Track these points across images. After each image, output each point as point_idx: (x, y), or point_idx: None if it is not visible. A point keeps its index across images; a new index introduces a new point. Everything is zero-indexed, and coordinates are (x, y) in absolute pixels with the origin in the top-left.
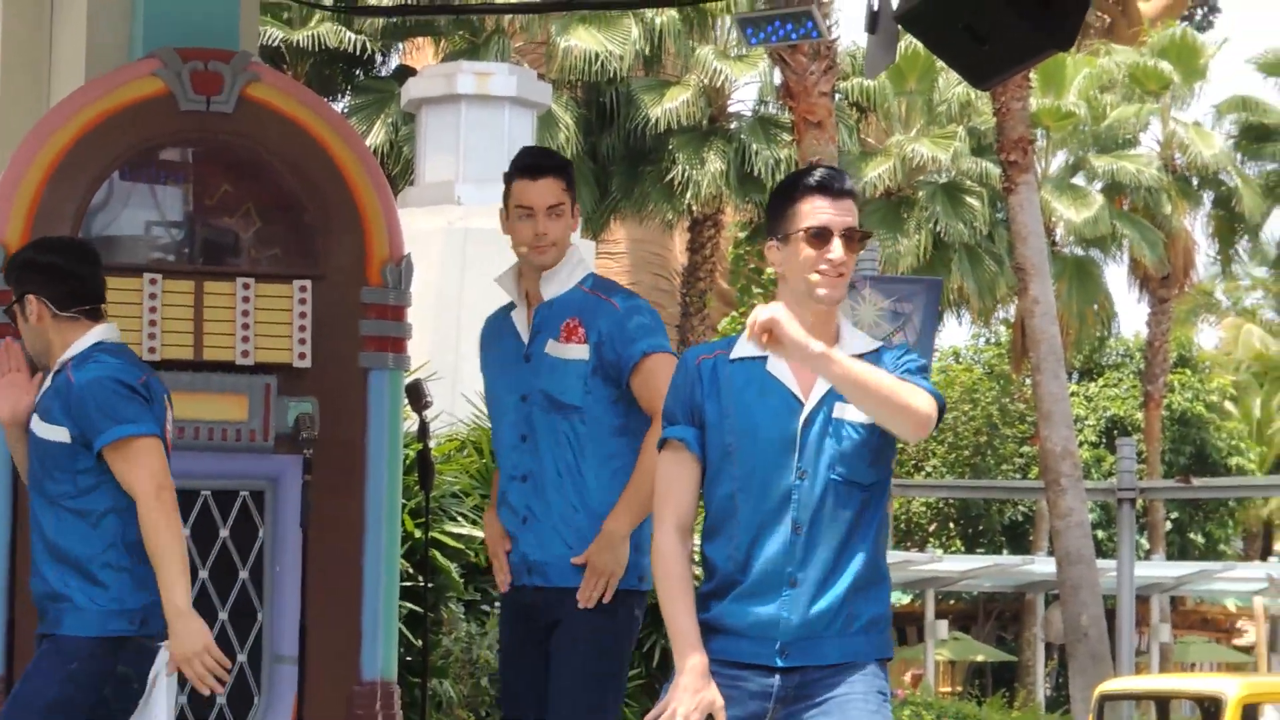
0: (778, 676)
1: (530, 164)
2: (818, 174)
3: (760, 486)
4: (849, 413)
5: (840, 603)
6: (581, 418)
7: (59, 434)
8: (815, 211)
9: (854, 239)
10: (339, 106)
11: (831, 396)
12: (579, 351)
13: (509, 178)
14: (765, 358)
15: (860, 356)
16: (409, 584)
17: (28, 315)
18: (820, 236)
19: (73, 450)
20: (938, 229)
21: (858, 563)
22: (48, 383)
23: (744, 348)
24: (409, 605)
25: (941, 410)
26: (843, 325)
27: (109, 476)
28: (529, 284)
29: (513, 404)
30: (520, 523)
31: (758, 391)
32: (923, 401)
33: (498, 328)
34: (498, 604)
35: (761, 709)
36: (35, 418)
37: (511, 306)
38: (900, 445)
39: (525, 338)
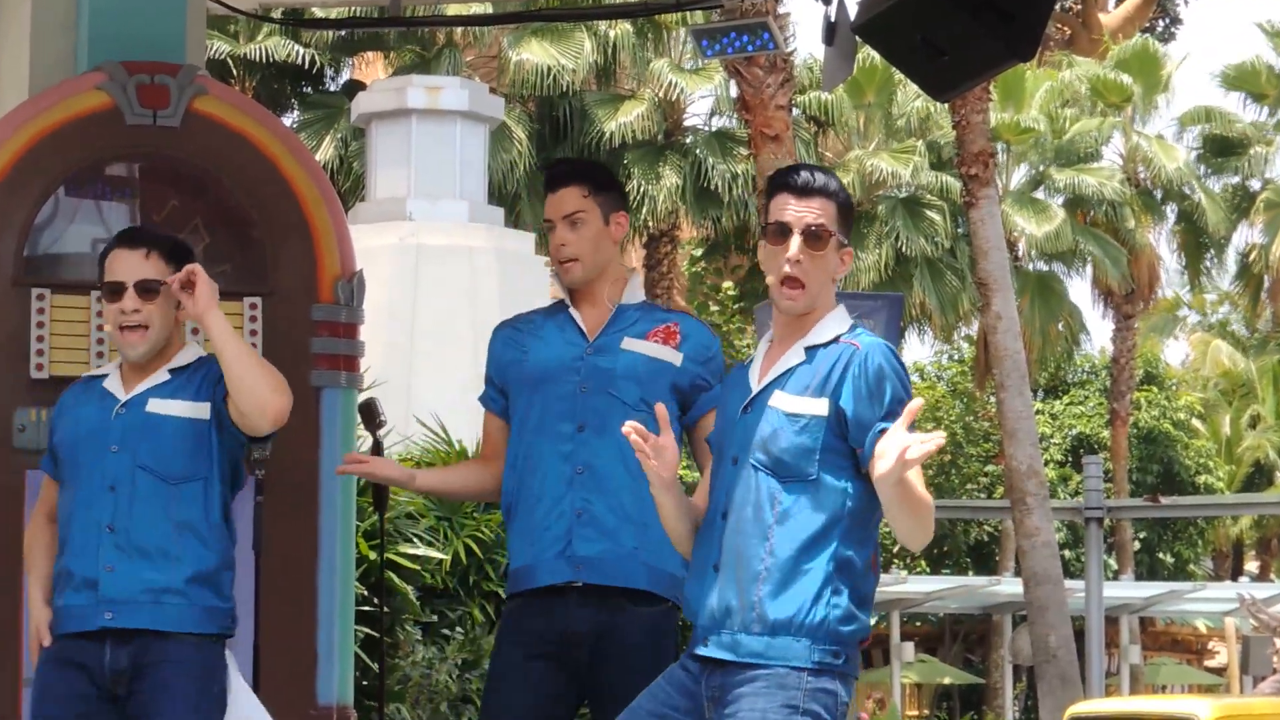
0: (698, 667)
1: (549, 176)
2: (792, 170)
3: (717, 473)
4: (783, 401)
5: (736, 593)
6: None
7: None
8: (777, 208)
9: (820, 238)
10: (288, 121)
11: (775, 384)
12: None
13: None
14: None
15: (818, 347)
16: (365, 607)
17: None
18: (780, 233)
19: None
20: (899, 244)
21: (773, 558)
22: (163, 377)
23: (757, 350)
24: (365, 629)
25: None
26: (825, 319)
27: None
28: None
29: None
30: None
31: (732, 384)
32: (932, 515)
33: None
34: (458, 628)
35: (698, 704)
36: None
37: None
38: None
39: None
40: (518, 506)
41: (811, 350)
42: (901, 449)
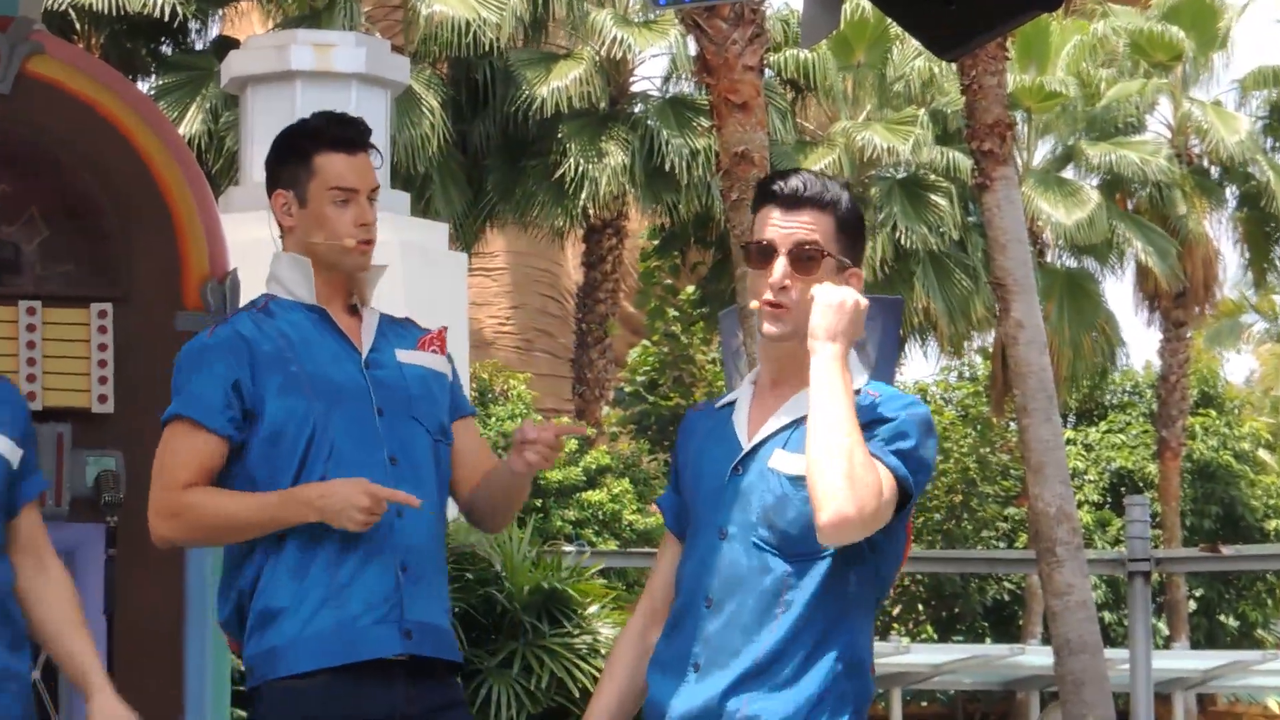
0: None
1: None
2: (777, 178)
3: (694, 548)
4: (787, 463)
5: (720, 698)
6: None
7: None
8: (761, 224)
9: (811, 259)
10: (144, 87)
11: (775, 440)
12: None
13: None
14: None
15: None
16: (243, 687)
17: None
18: (763, 254)
19: None
20: (897, 235)
21: (758, 649)
22: None
23: (736, 393)
24: (243, 712)
25: (903, 505)
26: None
27: None
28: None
29: None
30: None
31: (715, 437)
32: (842, 500)
33: None
34: None
35: None
36: None
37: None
38: None
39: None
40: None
41: None
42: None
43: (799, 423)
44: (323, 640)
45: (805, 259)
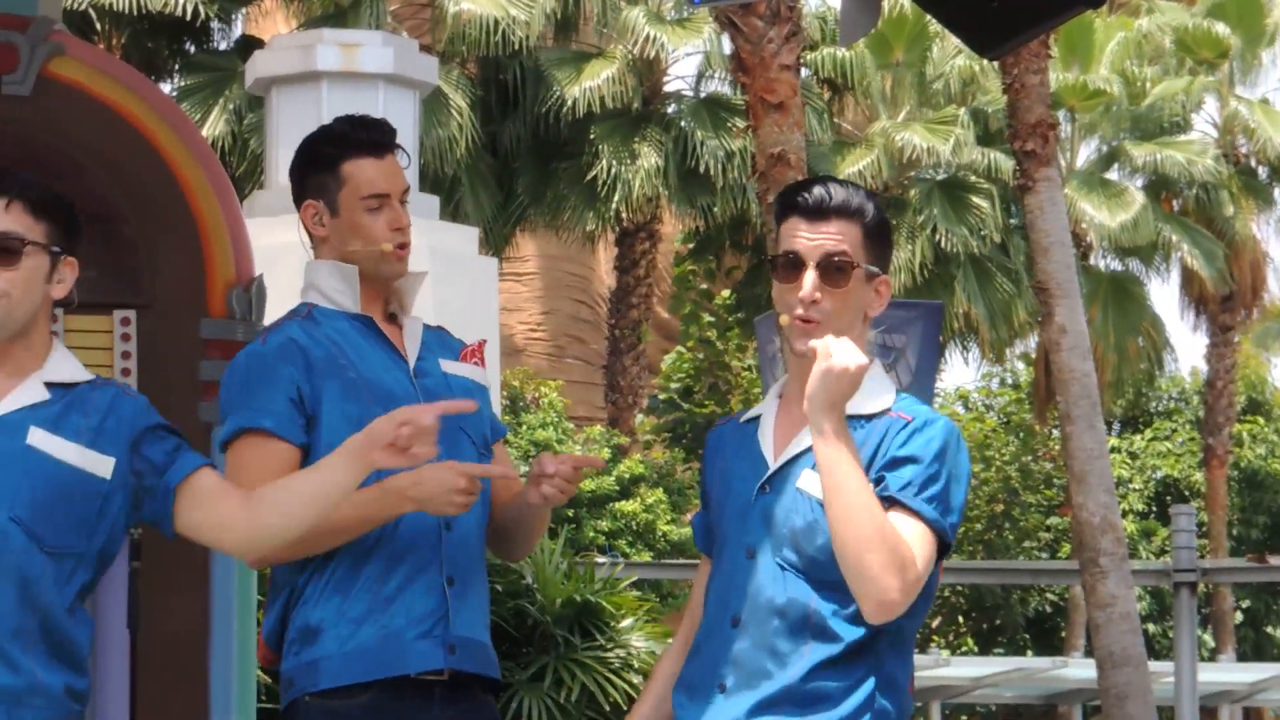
0: None
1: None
2: (801, 188)
3: (720, 567)
4: (816, 485)
5: (747, 717)
6: None
7: None
8: (787, 235)
9: (841, 270)
10: (166, 88)
11: (803, 460)
12: None
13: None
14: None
15: (857, 418)
16: (269, 705)
17: None
18: (790, 266)
19: None
20: (936, 238)
21: (788, 675)
22: (40, 393)
23: (761, 407)
24: None
25: (942, 554)
26: (862, 382)
27: None
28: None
29: None
30: None
31: (741, 454)
32: (883, 588)
33: None
34: None
35: None
36: None
37: None
38: None
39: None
40: None
41: (850, 421)
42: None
43: None
44: (366, 654)
45: (835, 270)
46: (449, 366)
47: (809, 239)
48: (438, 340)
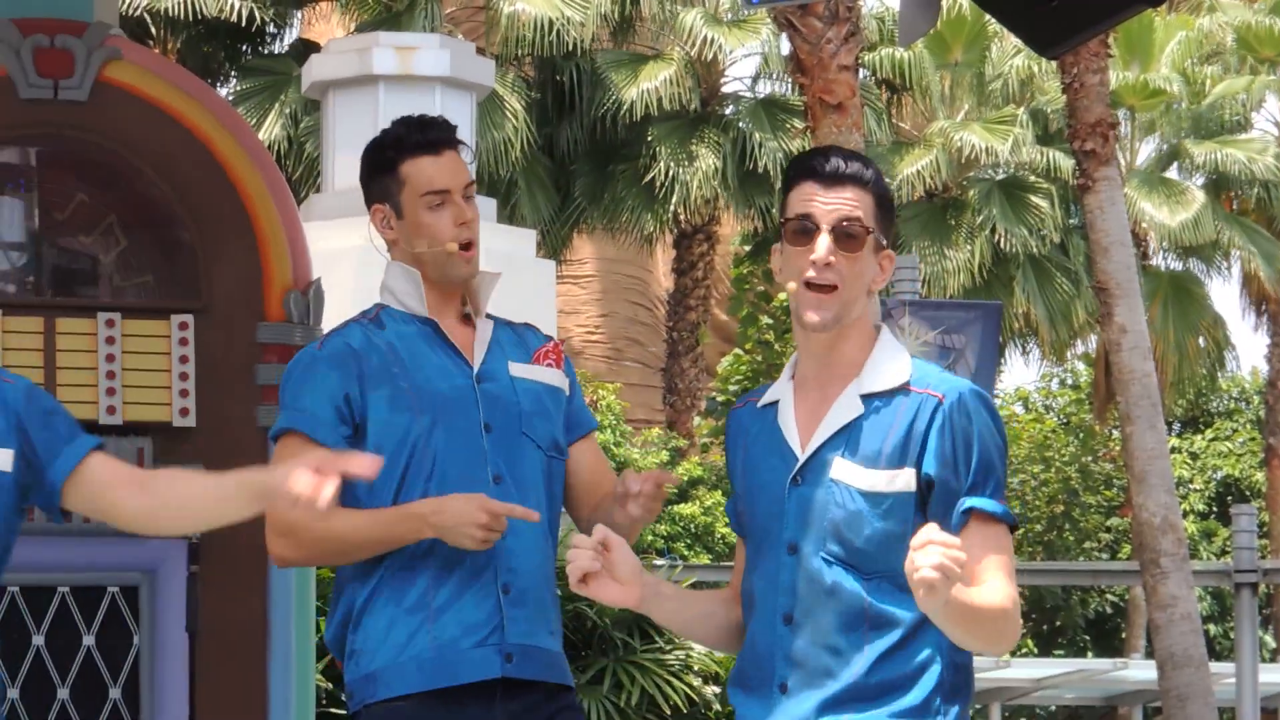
0: None
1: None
2: (816, 154)
3: (760, 562)
4: (854, 474)
5: (815, 714)
6: None
7: None
8: (800, 200)
9: (854, 236)
10: (223, 92)
11: (831, 447)
12: None
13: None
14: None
15: (877, 395)
16: (335, 709)
17: None
18: (803, 230)
19: None
20: (996, 238)
21: (851, 672)
22: None
23: (776, 390)
24: None
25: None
26: (875, 353)
27: None
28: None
29: None
30: None
31: (766, 443)
32: (1009, 624)
33: None
34: None
35: None
36: None
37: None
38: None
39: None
40: None
41: (870, 399)
42: (938, 565)
43: (856, 423)
44: (421, 664)
45: (849, 235)
46: (518, 370)
47: (824, 203)
48: (515, 340)
